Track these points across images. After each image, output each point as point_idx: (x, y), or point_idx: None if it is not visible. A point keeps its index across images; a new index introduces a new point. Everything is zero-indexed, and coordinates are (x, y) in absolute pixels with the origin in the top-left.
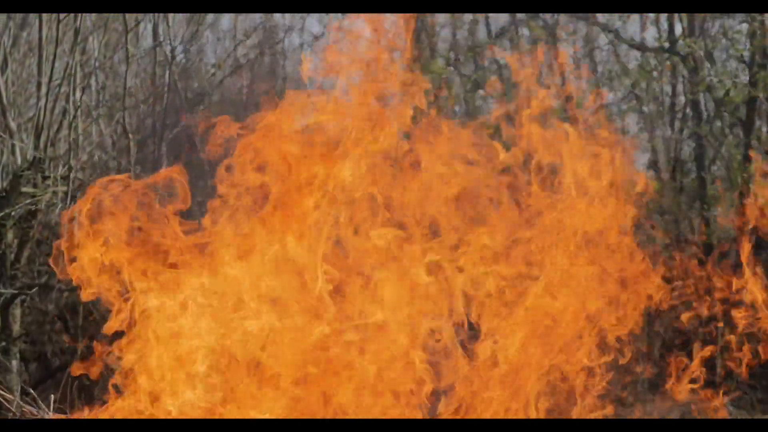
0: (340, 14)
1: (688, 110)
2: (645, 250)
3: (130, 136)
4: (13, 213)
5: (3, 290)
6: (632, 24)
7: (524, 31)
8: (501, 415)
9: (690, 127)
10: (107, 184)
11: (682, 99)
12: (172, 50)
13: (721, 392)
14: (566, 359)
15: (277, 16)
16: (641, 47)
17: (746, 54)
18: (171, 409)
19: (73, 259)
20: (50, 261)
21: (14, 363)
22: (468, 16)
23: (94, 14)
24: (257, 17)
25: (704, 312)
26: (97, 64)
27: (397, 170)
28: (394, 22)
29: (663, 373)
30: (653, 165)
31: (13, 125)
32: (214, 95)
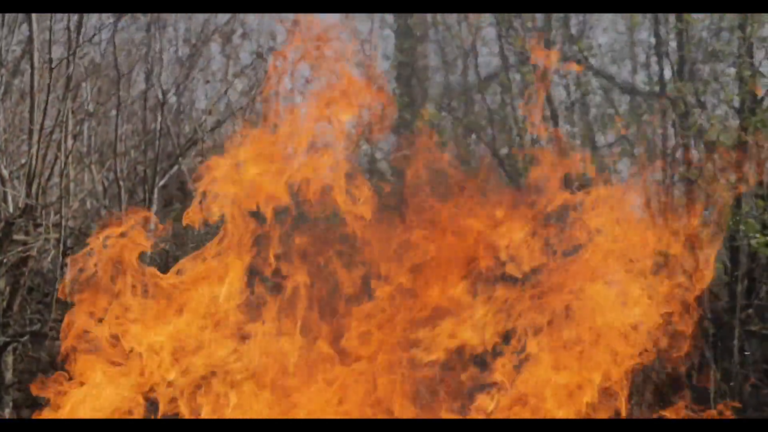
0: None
1: (678, 154)
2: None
3: (121, 183)
4: (4, 260)
5: None
6: (623, 68)
7: (516, 75)
8: None
9: (681, 171)
10: None
11: (672, 143)
12: (164, 94)
13: None
14: None
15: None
16: (632, 91)
17: (736, 98)
18: None
19: None
20: None
21: (7, 411)
22: (459, 62)
23: (86, 61)
24: (248, 60)
25: None
26: (90, 109)
27: None
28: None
29: None
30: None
31: (4, 173)
32: (207, 140)
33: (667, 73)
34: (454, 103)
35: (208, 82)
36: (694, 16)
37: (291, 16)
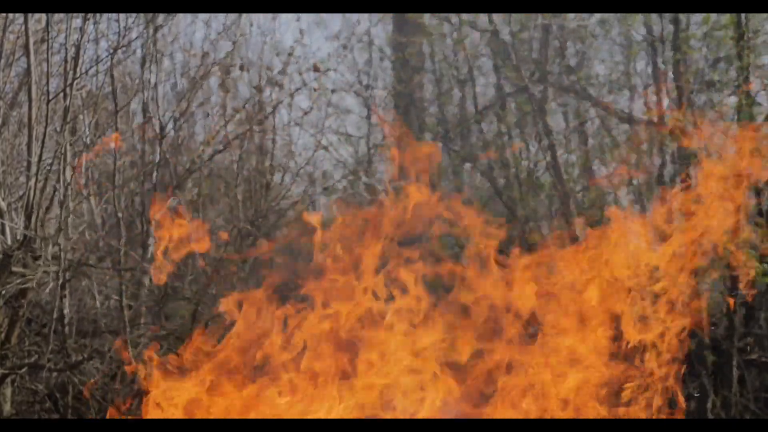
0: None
1: (677, 182)
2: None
3: (120, 215)
4: (3, 292)
5: None
6: (621, 97)
7: (512, 106)
8: None
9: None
10: None
11: (671, 171)
12: (162, 126)
13: None
14: None
15: (265, 93)
16: (630, 120)
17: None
18: None
19: None
20: None
21: None
22: (456, 92)
23: (83, 93)
24: (246, 94)
25: None
26: (88, 141)
27: None
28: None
29: None
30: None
31: (2, 205)
32: (205, 170)
33: (665, 102)
34: (451, 134)
35: (208, 115)
36: (692, 43)
37: (288, 47)
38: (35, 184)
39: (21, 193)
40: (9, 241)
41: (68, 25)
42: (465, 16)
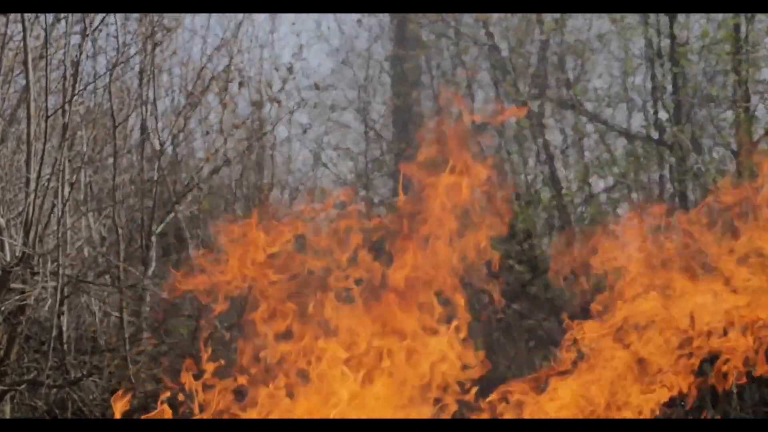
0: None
1: (675, 198)
2: None
3: (119, 231)
4: (2, 309)
5: None
6: (620, 112)
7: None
8: None
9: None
10: None
11: (669, 187)
12: (161, 143)
13: None
14: None
15: (265, 109)
16: (628, 135)
17: (732, 141)
18: None
19: None
20: None
21: None
22: (455, 108)
23: (81, 109)
24: (246, 110)
25: None
26: (86, 159)
27: None
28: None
29: None
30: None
31: (1, 221)
32: (204, 187)
33: (663, 117)
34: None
35: (207, 133)
36: (690, 57)
37: (287, 63)
38: (34, 200)
39: (20, 209)
40: (8, 258)
41: (67, 41)
42: (463, 30)
